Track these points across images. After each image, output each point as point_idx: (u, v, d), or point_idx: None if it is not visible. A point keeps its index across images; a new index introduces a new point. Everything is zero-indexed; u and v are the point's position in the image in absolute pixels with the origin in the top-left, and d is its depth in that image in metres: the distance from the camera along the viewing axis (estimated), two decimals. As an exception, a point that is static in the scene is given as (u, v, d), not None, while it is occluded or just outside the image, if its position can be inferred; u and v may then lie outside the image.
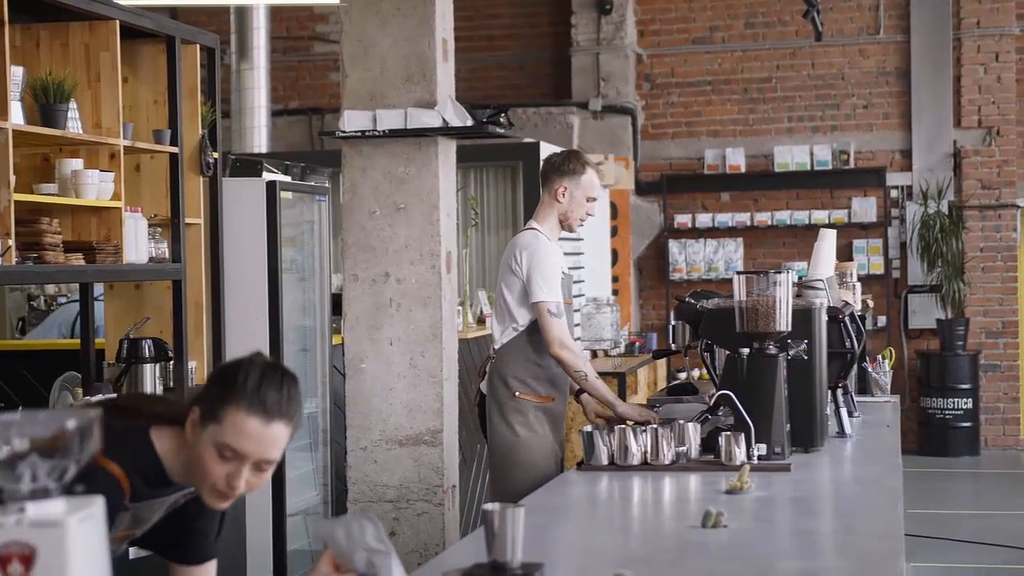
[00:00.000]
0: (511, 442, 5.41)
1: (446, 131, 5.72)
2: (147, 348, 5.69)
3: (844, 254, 12.68)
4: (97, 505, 1.88)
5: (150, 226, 5.80)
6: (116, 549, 2.96)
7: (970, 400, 12.66)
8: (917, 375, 12.97)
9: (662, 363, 11.39)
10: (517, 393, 5.41)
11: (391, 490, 5.78)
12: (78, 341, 6.06)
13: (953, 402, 12.63)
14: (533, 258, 5.33)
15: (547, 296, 5.28)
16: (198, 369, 6.13)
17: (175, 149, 5.89)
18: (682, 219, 13.38)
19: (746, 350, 4.61)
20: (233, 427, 2.73)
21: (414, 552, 5.70)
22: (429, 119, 5.68)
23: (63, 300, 8.49)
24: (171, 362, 5.85)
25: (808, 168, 13.16)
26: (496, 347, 5.50)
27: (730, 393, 4.52)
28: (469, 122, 5.73)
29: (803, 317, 4.76)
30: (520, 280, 5.35)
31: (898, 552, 3.07)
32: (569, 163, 5.50)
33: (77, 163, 5.33)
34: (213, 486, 2.79)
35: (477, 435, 5.89)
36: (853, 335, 5.29)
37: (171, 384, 5.88)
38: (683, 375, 10.92)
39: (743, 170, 13.30)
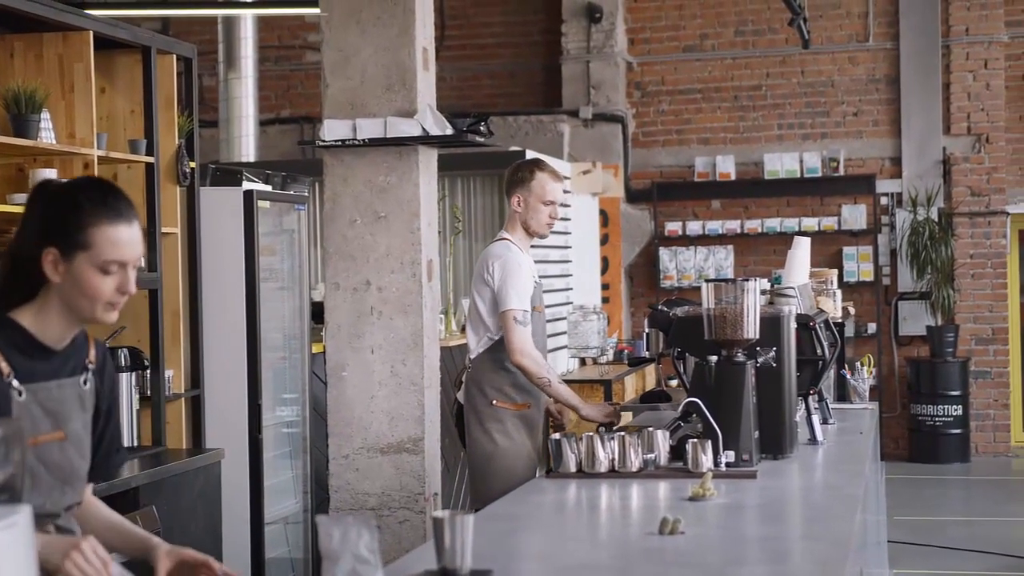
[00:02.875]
0: (490, 450, 5.44)
1: (426, 140, 5.73)
2: (123, 357, 5.70)
3: (834, 261, 12.72)
4: (23, 514, 1.90)
5: (127, 235, 5.81)
6: (55, 459, 2.92)
7: (960, 407, 12.66)
8: (907, 382, 12.98)
9: (651, 370, 11.39)
10: (494, 401, 5.45)
11: (372, 498, 5.78)
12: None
13: (943, 409, 12.64)
14: (505, 268, 5.37)
15: (516, 304, 5.32)
16: (175, 378, 6.14)
17: (151, 159, 5.90)
18: (672, 227, 13.39)
19: (714, 357, 4.61)
20: (108, 242, 2.82)
21: (396, 560, 5.70)
22: (409, 128, 5.68)
23: None
24: (147, 371, 5.87)
25: (798, 175, 13.16)
26: (471, 356, 5.54)
27: (698, 400, 4.53)
28: (449, 131, 5.73)
29: (772, 324, 4.76)
30: (491, 290, 5.39)
31: (844, 558, 3.08)
32: (518, 172, 5.58)
33: (51, 173, 5.34)
34: (107, 303, 2.86)
35: (460, 443, 5.92)
36: (825, 342, 5.29)
37: (148, 393, 5.89)
38: (674, 383, 10.90)
39: (733, 178, 13.31)
